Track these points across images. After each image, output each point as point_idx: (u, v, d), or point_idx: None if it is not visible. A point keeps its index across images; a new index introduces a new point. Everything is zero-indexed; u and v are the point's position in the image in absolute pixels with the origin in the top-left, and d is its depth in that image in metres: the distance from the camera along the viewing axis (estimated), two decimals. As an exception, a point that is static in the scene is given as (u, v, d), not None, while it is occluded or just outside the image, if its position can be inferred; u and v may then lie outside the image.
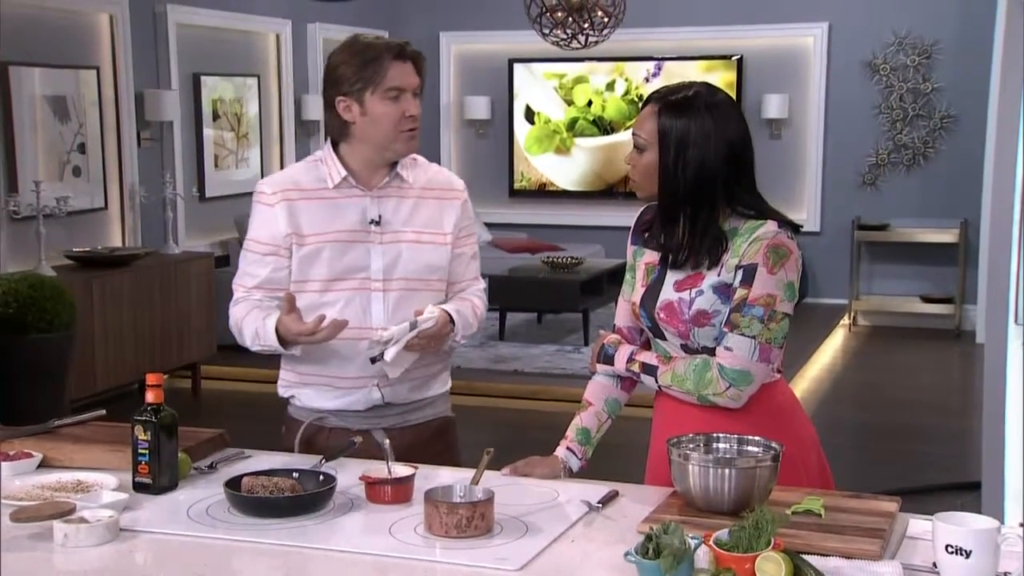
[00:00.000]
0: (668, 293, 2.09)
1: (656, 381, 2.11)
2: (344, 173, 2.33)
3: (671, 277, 2.10)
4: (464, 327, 2.36)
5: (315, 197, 2.34)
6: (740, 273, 2.04)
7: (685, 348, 2.10)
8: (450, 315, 2.32)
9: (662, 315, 2.09)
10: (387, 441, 2.10)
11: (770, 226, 2.05)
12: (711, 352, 2.08)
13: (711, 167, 2.04)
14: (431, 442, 2.42)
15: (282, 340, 2.27)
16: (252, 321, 2.32)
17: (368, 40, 2.31)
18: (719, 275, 2.06)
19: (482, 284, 2.51)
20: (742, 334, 2.02)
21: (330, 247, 2.32)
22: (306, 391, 2.40)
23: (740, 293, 2.03)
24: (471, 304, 2.41)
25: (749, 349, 2.03)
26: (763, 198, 2.10)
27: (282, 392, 2.46)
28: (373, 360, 2.25)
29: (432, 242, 2.37)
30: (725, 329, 2.04)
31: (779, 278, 2.03)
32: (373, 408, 2.38)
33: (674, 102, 2.07)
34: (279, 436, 2.48)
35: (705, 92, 2.09)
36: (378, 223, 2.33)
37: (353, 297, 2.32)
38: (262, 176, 7.52)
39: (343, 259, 2.32)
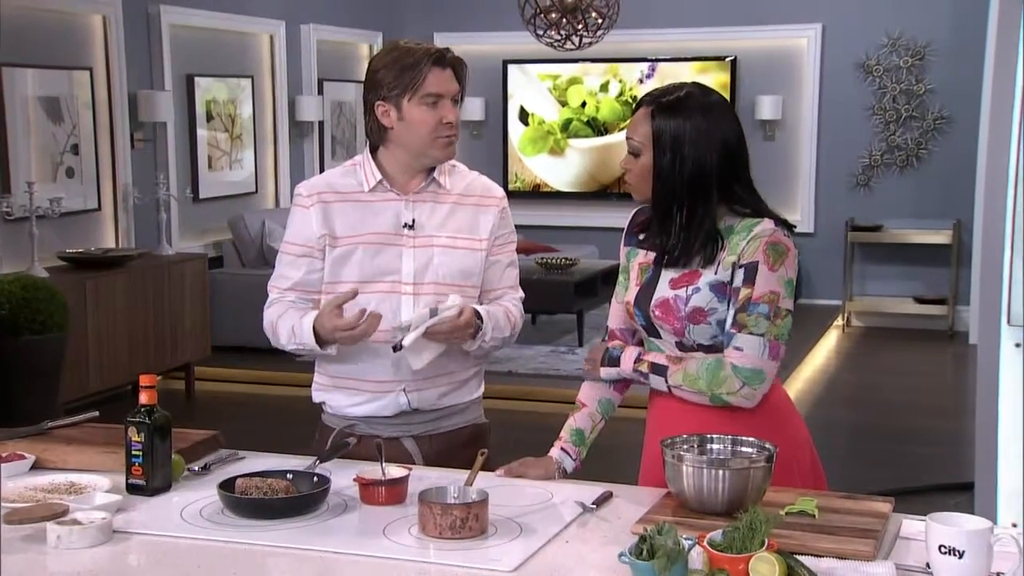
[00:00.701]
0: (663, 291, 2.10)
1: (666, 381, 2.09)
2: (379, 177, 2.34)
3: (666, 275, 2.11)
4: (495, 328, 2.32)
5: (350, 200, 2.34)
6: (742, 272, 2.04)
7: (680, 346, 2.11)
8: (477, 312, 2.29)
9: (657, 312, 2.10)
10: (379, 440, 2.09)
11: (767, 224, 2.06)
12: (706, 350, 2.08)
13: (706, 166, 2.04)
14: (463, 449, 2.35)
15: (319, 339, 2.26)
16: (288, 320, 2.32)
17: (408, 45, 2.31)
18: (716, 273, 2.06)
19: (519, 294, 2.45)
20: (751, 333, 2.03)
21: (362, 249, 2.31)
22: (337, 395, 2.39)
23: (744, 292, 2.04)
24: (504, 309, 2.38)
25: (759, 347, 2.03)
26: (760, 196, 2.11)
27: (315, 397, 2.45)
28: (395, 348, 2.21)
29: (467, 247, 2.35)
30: (733, 330, 2.04)
31: (780, 275, 2.04)
32: (401, 414, 2.35)
33: (667, 103, 2.07)
34: (273, 437, 2.47)
35: (698, 92, 2.09)
36: (411, 227, 2.32)
37: (383, 299, 2.30)
38: (256, 177, 7.58)
39: (374, 261, 2.32)
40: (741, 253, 2.05)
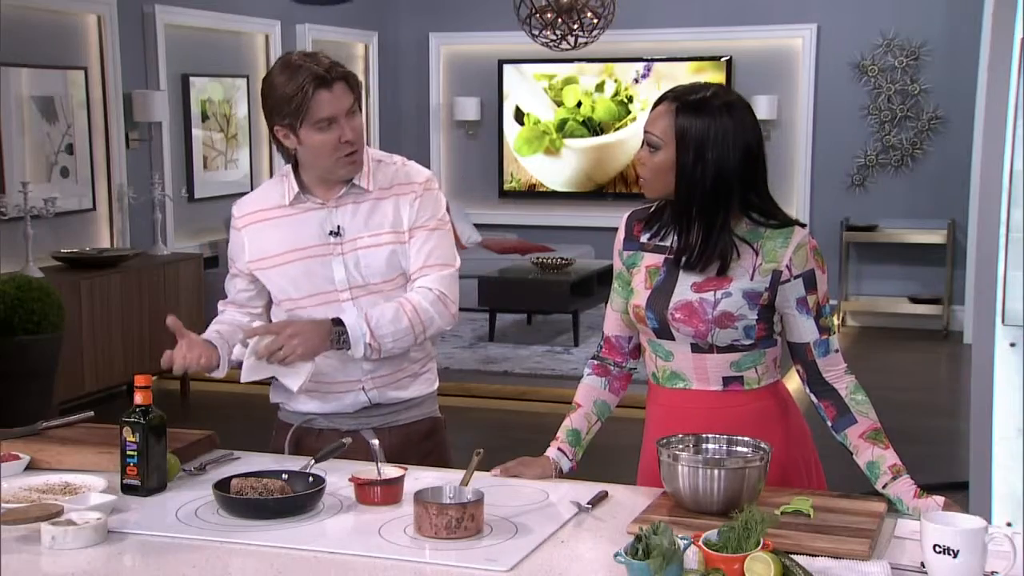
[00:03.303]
0: (685, 294, 2.08)
1: (894, 457, 2.05)
2: (296, 190, 2.33)
3: (686, 278, 2.08)
4: (379, 325, 2.24)
5: (276, 216, 2.36)
6: (800, 281, 2.07)
7: (695, 347, 2.09)
8: (320, 321, 2.25)
9: (677, 315, 2.08)
10: (376, 442, 2.10)
11: (802, 231, 2.09)
12: (721, 351, 2.08)
13: (729, 168, 2.03)
14: (420, 443, 2.42)
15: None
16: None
17: (292, 67, 2.22)
18: (752, 280, 2.06)
19: (445, 272, 2.33)
20: (831, 333, 2.11)
21: (295, 265, 2.33)
22: (295, 397, 2.40)
23: (812, 299, 2.08)
24: (396, 304, 2.29)
25: (838, 342, 2.15)
26: (775, 201, 2.11)
27: (272, 397, 2.47)
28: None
29: (390, 242, 2.33)
30: (823, 336, 2.09)
31: (826, 277, 2.12)
32: (361, 409, 2.38)
33: (692, 102, 2.05)
34: (269, 438, 2.48)
35: (721, 92, 2.08)
36: (338, 233, 2.32)
37: (326, 310, 2.31)
38: (251, 177, 7.57)
39: (309, 275, 2.33)
40: (789, 263, 2.06)
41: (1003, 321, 3.12)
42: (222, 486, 1.95)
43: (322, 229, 2.32)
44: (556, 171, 8.82)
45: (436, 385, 2.50)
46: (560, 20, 6.70)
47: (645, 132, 2.09)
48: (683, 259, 2.08)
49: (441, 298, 2.32)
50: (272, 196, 2.38)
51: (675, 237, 2.12)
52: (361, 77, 8.72)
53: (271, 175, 7.76)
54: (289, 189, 2.34)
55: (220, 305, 2.50)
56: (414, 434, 2.42)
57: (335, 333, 2.25)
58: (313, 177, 2.34)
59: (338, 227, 2.32)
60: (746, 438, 1.98)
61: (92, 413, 2.44)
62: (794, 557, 1.65)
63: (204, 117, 7.09)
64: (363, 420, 2.37)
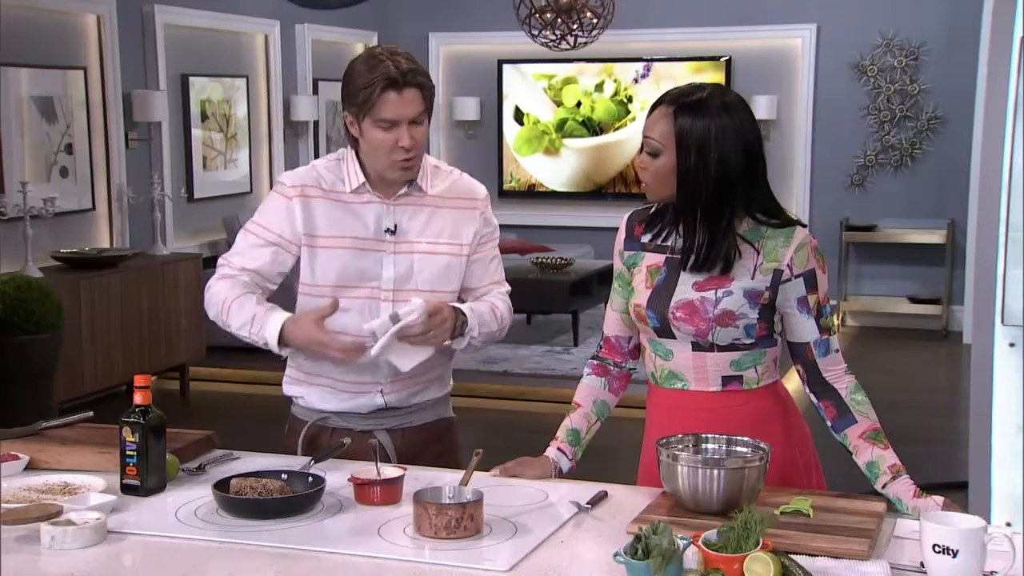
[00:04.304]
0: (687, 293, 2.08)
1: (895, 457, 2.05)
2: (362, 179, 2.31)
3: (687, 278, 2.08)
4: (481, 324, 2.30)
5: (332, 198, 2.31)
6: (801, 281, 2.07)
7: (696, 346, 2.09)
8: (460, 309, 2.26)
9: (679, 314, 2.08)
10: (376, 440, 2.10)
11: (803, 230, 2.09)
12: (722, 350, 2.08)
13: (731, 167, 2.03)
14: (432, 444, 2.40)
15: (281, 340, 2.22)
16: (247, 307, 2.25)
17: (374, 60, 2.22)
18: (753, 279, 2.06)
19: (505, 288, 2.43)
20: (832, 333, 2.11)
21: (343, 252, 2.29)
22: (311, 392, 2.38)
23: (812, 299, 2.08)
24: (490, 305, 2.36)
25: (838, 342, 2.15)
26: (777, 200, 2.10)
27: (287, 390, 2.44)
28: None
29: (448, 252, 2.33)
30: (824, 336, 2.09)
31: (826, 276, 2.12)
32: (376, 411, 2.36)
33: (690, 103, 2.04)
34: (267, 437, 2.47)
35: (718, 92, 2.08)
36: (393, 232, 2.31)
37: (363, 306, 2.30)
38: (250, 177, 7.57)
39: (355, 266, 2.30)
40: (790, 263, 2.06)
41: (1002, 321, 3.12)
42: (221, 486, 1.95)
43: (379, 224, 2.31)
44: (556, 171, 8.82)
45: (450, 386, 2.48)
46: (560, 20, 6.70)
47: (644, 137, 2.09)
48: (689, 260, 2.07)
49: (511, 310, 2.42)
50: (328, 177, 2.33)
51: (677, 238, 2.12)
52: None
53: (271, 175, 7.76)
54: (352, 175, 2.31)
55: (229, 270, 2.30)
56: (427, 436, 2.40)
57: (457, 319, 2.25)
58: (371, 170, 2.31)
59: (395, 225, 2.31)
60: (745, 438, 1.98)
61: (91, 413, 2.44)
62: (793, 557, 1.65)
63: (203, 117, 7.09)
64: (377, 421, 2.36)
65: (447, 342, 2.27)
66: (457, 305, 2.29)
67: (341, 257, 2.30)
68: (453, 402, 2.52)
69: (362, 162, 2.32)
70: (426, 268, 2.31)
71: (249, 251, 2.32)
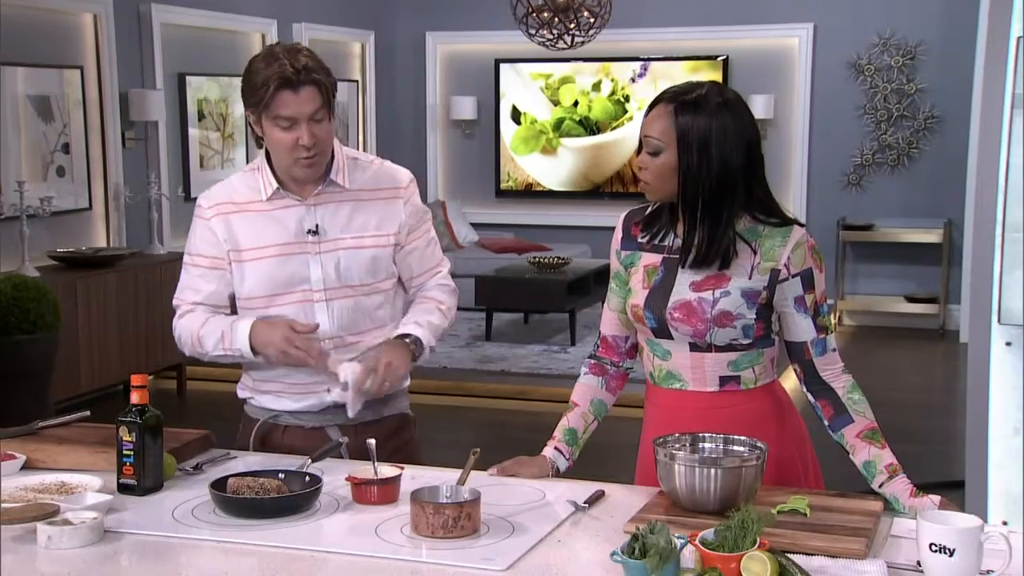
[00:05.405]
0: (684, 293, 2.08)
1: (891, 457, 2.05)
2: (275, 184, 2.30)
3: (684, 277, 2.08)
4: (434, 333, 2.33)
5: (250, 210, 2.31)
6: (798, 280, 2.07)
7: (694, 347, 2.09)
8: (407, 335, 2.29)
9: (676, 315, 2.08)
10: (372, 441, 2.10)
11: (800, 230, 2.09)
12: (720, 350, 2.08)
13: (733, 164, 2.03)
14: (387, 440, 2.35)
15: (252, 348, 2.26)
16: (215, 327, 2.30)
17: (271, 58, 2.20)
18: (750, 279, 2.06)
19: (445, 267, 2.44)
20: (829, 332, 2.11)
21: (268, 262, 2.29)
22: (262, 397, 2.40)
23: (810, 298, 2.08)
24: (433, 304, 2.37)
25: (836, 341, 2.15)
26: (774, 198, 2.10)
27: (240, 394, 2.45)
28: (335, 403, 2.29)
29: (374, 244, 2.32)
30: (821, 336, 2.09)
31: (824, 275, 2.12)
32: (327, 408, 2.35)
33: (690, 101, 2.04)
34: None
35: (716, 89, 2.07)
36: (316, 232, 2.30)
37: (297, 310, 2.30)
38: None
39: (282, 272, 2.29)
40: (787, 262, 2.06)
41: (999, 320, 3.12)
42: (218, 485, 1.95)
43: (300, 227, 2.30)
44: (553, 170, 8.82)
45: (407, 382, 2.46)
46: (556, 19, 6.70)
47: (644, 136, 2.08)
48: (688, 257, 2.07)
49: (454, 292, 2.46)
50: (242, 189, 2.33)
51: (675, 238, 2.12)
52: (357, 76, 8.74)
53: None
54: (266, 184, 2.30)
55: (186, 307, 2.37)
56: (381, 431, 2.34)
57: (412, 348, 2.29)
58: (280, 172, 2.30)
59: (316, 226, 2.30)
60: (743, 437, 1.98)
61: (88, 412, 2.44)
62: (790, 556, 1.65)
63: (200, 116, 7.08)
64: (329, 417, 2.35)
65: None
66: (406, 330, 2.30)
67: (267, 266, 2.30)
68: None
69: (274, 168, 2.31)
70: (354, 264, 2.31)
71: (193, 283, 2.36)
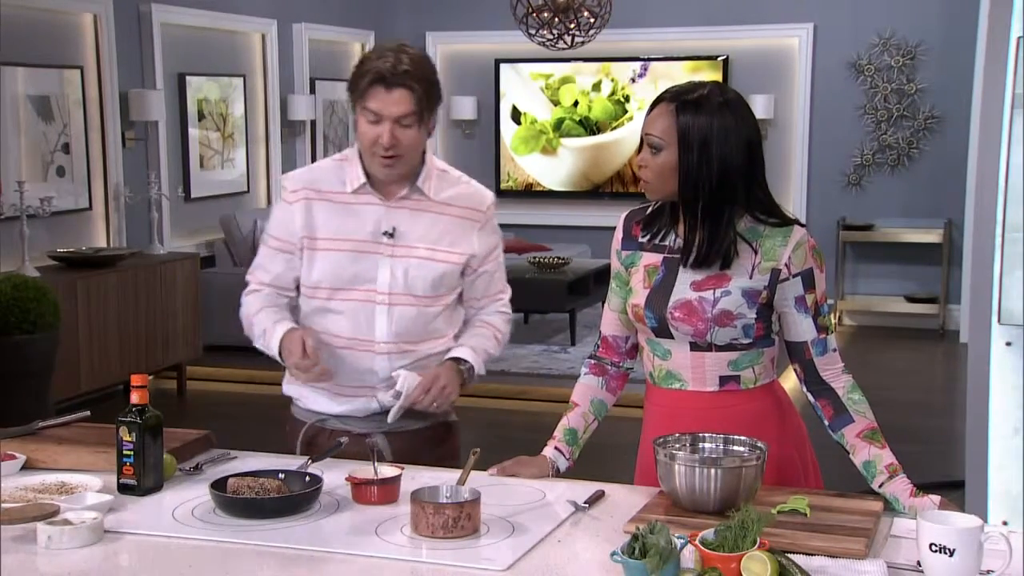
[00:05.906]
0: (684, 293, 2.08)
1: (891, 456, 2.05)
2: (363, 179, 2.30)
3: (685, 277, 2.08)
4: (487, 359, 2.37)
5: (332, 200, 2.32)
6: (799, 280, 2.07)
7: (694, 346, 2.09)
8: (461, 359, 2.33)
9: (677, 314, 2.08)
10: (375, 439, 2.10)
11: (801, 230, 2.09)
12: (720, 349, 2.08)
13: (734, 164, 2.03)
14: (432, 447, 2.38)
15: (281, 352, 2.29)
16: (262, 321, 2.34)
17: (378, 52, 2.25)
18: (751, 278, 2.06)
19: (507, 295, 2.47)
20: (829, 332, 2.11)
21: (340, 254, 2.30)
22: (309, 394, 2.40)
23: (810, 298, 2.08)
24: (491, 330, 2.41)
25: (836, 341, 2.15)
26: (774, 198, 2.11)
27: (286, 389, 2.46)
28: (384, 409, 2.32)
29: (446, 260, 2.33)
30: (821, 336, 2.09)
31: (824, 275, 2.12)
32: (373, 415, 2.36)
33: (691, 100, 2.04)
34: (265, 437, 2.48)
35: (718, 89, 2.08)
36: (391, 235, 2.30)
37: (358, 309, 2.30)
38: (247, 176, 7.56)
39: (351, 268, 2.30)
40: (788, 262, 2.06)
41: (999, 320, 3.12)
42: (219, 486, 1.95)
43: (377, 227, 2.30)
44: (553, 170, 8.82)
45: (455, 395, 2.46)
46: (557, 19, 6.70)
47: (645, 135, 2.08)
48: (689, 257, 2.07)
49: (511, 321, 2.47)
50: (328, 177, 2.34)
51: (675, 237, 2.12)
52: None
53: (268, 174, 7.76)
54: (354, 176, 2.31)
55: (254, 285, 2.39)
56: (426, 439, 2.38)
57: (465, 376, 2.33)
58: (367, 166, 2.31)
59: (393, 229, 2.30)
60: (743, 437, 1.98)
61: (88, 413, 2.44)
62: (791, 556, 1.65)
63: (200, 116, 7.08)
64: (374, 425, 2.36)
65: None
66: (458, 355, 2.32)
67: (338, 258, 2.30)
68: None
69: (363, 162, 2.32)
70: (421, 274, 2.31)
71: (264, 263, 2.39)
